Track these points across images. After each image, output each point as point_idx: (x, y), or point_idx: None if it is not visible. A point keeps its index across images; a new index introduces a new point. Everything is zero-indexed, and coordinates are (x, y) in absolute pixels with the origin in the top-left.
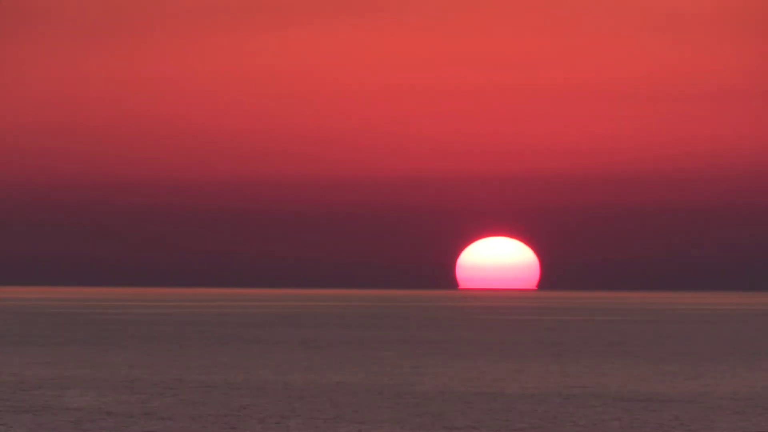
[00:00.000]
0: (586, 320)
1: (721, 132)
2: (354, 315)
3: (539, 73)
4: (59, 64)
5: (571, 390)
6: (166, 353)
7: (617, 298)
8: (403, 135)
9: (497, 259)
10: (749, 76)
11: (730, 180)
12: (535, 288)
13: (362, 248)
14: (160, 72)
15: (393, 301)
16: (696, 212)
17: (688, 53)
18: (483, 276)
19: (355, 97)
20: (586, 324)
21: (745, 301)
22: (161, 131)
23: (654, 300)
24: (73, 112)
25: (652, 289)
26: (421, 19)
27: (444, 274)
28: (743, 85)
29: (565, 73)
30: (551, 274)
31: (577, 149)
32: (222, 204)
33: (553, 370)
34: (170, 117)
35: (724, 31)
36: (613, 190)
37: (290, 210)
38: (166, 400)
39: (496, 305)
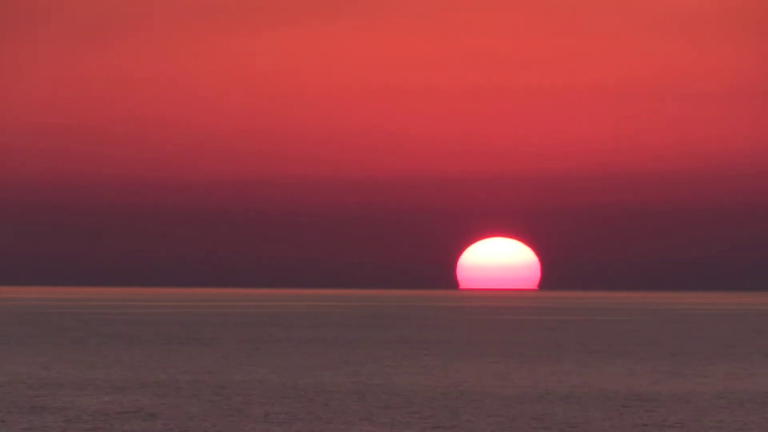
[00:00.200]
0: (586, 320)
1: (721, 132)
2: (354, 315)
3: (539, 73)
4: (59, 64)
5: (567, 390)
6: (165, 353)
7: (617, 298)
8: (403, 135)
9: (498, 259)
10: (750, 77)
11: (730, 180)
12: (536, 288)
13: (362, 248)
14: (160, 72)
15: (393, 301)
16: (696, 212)
17: (688, 53)
18: (484, 276)
19: (355, 97)
20: (586, 324)
21: (745, 301)
22: (161, 131)
23: (654, 300)
24: (73, 112)
25: (652, 289)
26: (421, 19)
27: (444, 274)
28: (743, 85)
29: (565, 73)
30: (552, 274)
31: (577, 149)
32: (222, 204)
33: (550, 370)
34: (170, 117)
35: (724, 32)
36: (613, 190)
37: (290, 210)
38: (166, 399)
39: (496, 305)
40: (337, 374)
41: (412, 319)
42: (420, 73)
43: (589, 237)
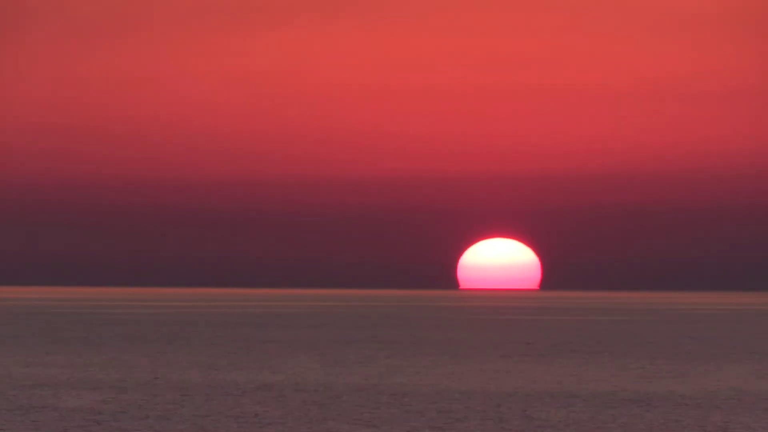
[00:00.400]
0: (586, 320)
1: (721, 132)
2: (354, 315)
3: (539, 73)
4: (59, 64)
5: (566, 389)
6: (165, 353)
7: (617, 298)
8: (403, 135)
9: (498, 259)
10: (750, 77)
11: (730, 180)
12: (536, 288)
13: (362, 248)
14: (160, 72)
15: (393, 301)
16: (696, 212)
17: (688, 53)
18: (484, 276)
19: (355, 97)
20: (586, 324)
21: (745, 301)
22: (161, 132)
23: (654, 300)
24: (73, 113)
25: (652, 289)
26: (421, 19)
27: (445, 274)
28: (743, 85)
29: (565, 73)
30: (552, 275)
31: (577, 149)
32: (222, 204)
33: (549, 370)
34: (170, 117)
35: (724, 32)
36: (613, 190)
37: (290, 210)
38: (164, 399)
39: (497, 305)
40: (335, 374)
41: (412, 319)
42: (420, 73)
43: (589, 237)
